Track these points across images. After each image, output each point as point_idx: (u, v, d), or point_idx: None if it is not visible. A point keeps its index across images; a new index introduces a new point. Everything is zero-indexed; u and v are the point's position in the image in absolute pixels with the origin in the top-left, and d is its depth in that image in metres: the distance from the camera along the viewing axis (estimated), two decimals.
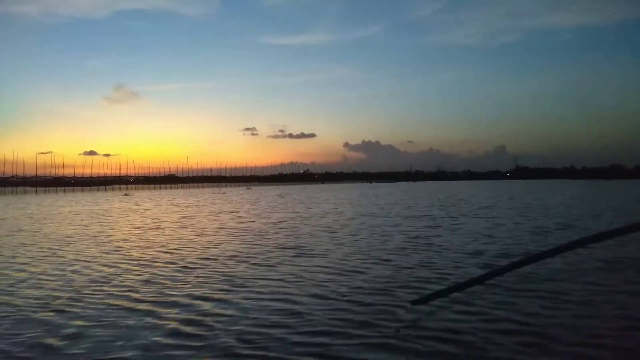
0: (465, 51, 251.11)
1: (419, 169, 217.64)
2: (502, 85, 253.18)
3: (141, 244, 13.69)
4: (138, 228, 18.62)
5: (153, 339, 5.16)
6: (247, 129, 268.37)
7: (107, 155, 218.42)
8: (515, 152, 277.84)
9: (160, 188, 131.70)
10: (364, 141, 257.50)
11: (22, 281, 8.45)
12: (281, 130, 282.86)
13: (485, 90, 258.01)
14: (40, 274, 9.15)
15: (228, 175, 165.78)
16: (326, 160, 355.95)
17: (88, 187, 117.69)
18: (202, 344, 5.02)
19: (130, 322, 5.79)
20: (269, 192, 72.48)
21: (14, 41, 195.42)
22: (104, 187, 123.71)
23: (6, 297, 7.19)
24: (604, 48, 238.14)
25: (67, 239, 15.15)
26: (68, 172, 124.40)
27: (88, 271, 9.35)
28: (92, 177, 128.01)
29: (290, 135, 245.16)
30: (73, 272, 9.30)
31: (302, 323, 5.59)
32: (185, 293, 7.30)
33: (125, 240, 14.72)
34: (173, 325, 5.67)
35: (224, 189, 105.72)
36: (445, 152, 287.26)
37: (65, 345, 5.01)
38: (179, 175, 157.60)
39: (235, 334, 5.28)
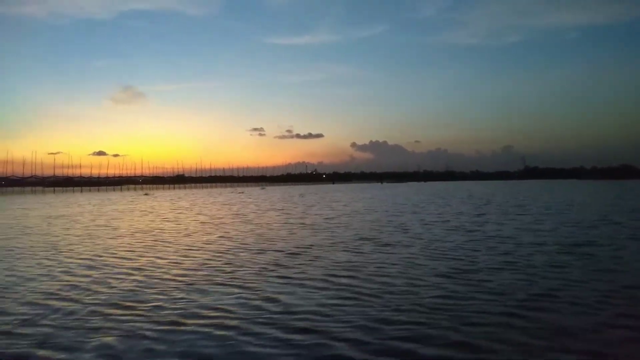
0: (471, 50, 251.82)
1: (427, 169, 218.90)
2: (509, 84, 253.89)
3: (232, 235, 15.17)
4: (204, 223, 20.18)
5: (326, 301, 6.63)
6: (255, 129, 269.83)
7: (116, 155, 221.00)
8: (523, 152, 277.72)
9: (174, 188, 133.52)
10: (371, 141, 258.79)
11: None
12: (288, 131, 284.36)
13: (492, 89, 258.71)
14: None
15: (237, 175, 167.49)
16: (333, 160, 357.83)
17: (96, 188, 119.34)
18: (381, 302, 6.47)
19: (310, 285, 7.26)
20: (286, 192, 73.95)
21: (23, 43, 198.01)
22: (114, 187, 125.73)
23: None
24: (612, 47, 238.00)
25: (178, 232, 16.64)
26: (78, 172, 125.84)
27: (244, 254, 10.85)
28: (103, 178, 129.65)
29: (298, 136, 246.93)
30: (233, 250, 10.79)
31: (430, 288, 7.05)
32: (324, 272, 8.77)
33: (213, 233, 16.20)
34: (338, 291, 7.14)
35: (240, 189, 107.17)
36: (452, 152, 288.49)
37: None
38: (188, 175, 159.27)
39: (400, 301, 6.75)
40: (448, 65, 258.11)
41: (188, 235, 15.91)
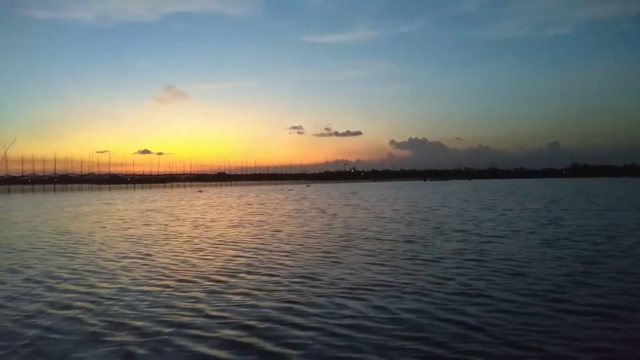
0: (514, 44, 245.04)
1: (468, 167, 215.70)
2: (555, 79, 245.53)
3: (327, 227, 17.17)
4: (292, 217, 22.33)
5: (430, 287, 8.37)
6: (294, 128, 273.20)
7: (160, 153, 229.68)
8: (569, 149, 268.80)
9: (221, 185, 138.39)
10: (410, 138, 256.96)
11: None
12: (327, 129, 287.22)
13: (537, 84, 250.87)
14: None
15: (276, 173, 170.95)
16: (372, 158, 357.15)
17: (140, 185, 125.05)
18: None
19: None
20: (334, 189, 75.81)
21: (72, 46, 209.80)
22: (158, 184, 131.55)
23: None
24: None
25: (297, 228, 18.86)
26: (124, 170, 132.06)
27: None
28: (147, 175, 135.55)
29: (336, 133, 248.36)
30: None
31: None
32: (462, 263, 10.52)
33: (314, 227, 18.27)
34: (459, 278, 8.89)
35: (290, 186, 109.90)
36: (495, 149, 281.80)
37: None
38: (229, 173, 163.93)
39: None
40: (490, 60, 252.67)
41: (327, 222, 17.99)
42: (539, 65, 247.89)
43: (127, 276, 9.09)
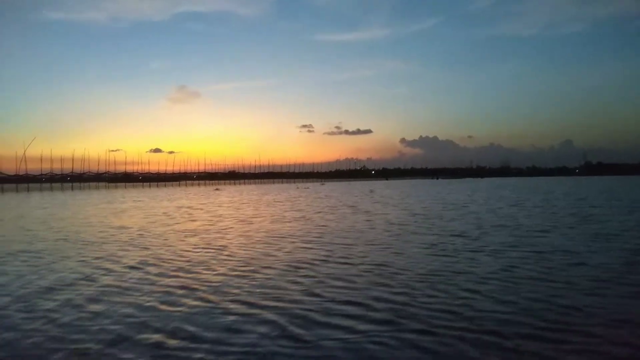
0: (527, 42, 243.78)
1: (480, 165, 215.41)
2: (568, 76, 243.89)
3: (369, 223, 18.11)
4: (328, 213, 23.29)
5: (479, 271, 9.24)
6: (304, 126, 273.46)
7: (172, 152, 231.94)
8: (583, 147, 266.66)
9: (234, 183, 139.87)
10: (421, 137, 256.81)
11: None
12: (337, 127, 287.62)
13: (550, 82, 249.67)
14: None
15: (287, 171, 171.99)
16: (382, 156, 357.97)
17: (155, 183, 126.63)
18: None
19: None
20: (349, 187, 76.66)
21: (86, 47, 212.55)
22: (170, 182, 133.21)
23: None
24: None
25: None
26: (136, 168, 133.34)
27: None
28: (159, 174, 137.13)
29: (346, 132, 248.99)
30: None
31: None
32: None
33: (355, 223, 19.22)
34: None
35: (306, 184, 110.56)
36: (507, 147, 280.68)
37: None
38: (239, 171, 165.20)
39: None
40: (503, 58, 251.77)
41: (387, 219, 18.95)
42: (552, 63, 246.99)
43: (222, 265, 10.06)
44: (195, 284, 8.21)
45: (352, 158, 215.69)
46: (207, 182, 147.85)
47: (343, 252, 11.41)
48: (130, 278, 8.86)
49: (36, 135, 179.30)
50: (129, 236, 15.52)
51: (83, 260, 10.90)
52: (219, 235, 15.48)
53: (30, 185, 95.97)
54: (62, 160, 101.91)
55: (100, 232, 17.00)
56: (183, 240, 14.23)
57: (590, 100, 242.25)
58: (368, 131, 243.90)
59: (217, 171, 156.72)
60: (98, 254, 11.76)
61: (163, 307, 6.82)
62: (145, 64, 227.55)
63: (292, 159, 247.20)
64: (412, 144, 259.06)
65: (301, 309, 6.56)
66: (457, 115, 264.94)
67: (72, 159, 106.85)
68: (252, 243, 13.35)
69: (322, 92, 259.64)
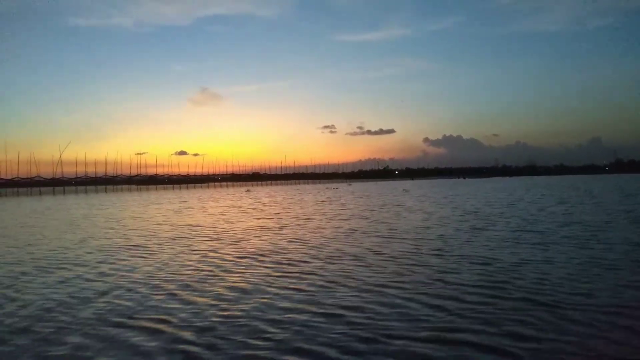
0: (552, 38, 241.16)
1: (505, 164, 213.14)
2: (595, 72, 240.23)
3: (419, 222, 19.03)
4: (381, 212, 24.29)
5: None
6: (326, 127, 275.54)
7: (196, 154, 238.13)
8: (612, 144, 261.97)
9: (261, 184, 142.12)
10: (444, 136, 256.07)
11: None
12: (359, 127, 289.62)
13: (577, 78, 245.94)
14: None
15: (310, 172, 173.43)
16: (405, 156, 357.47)
17: (180, 185, 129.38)
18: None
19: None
20: (378, 187, 77.34)
21: (110, 52, 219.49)
22: (196, 184, 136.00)
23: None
24: None
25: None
26: (162, 171, 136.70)
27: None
28: (188, 176, 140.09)
29: (369, 132, 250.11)
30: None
31: None
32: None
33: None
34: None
35: (335, 185, 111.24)
36: (533, 146, 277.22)
37: None
38: (263, 173, 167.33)
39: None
40: (528, 55, 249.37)
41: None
42: (579, 59, 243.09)
43: (337, 255, 11.19)
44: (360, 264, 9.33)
45: (374, 158, 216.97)
46: (235, 183, 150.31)
47: (437, 246, 12.35)
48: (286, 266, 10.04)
49: (70, 139, 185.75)
50: (217, 234, 16.78)
51: (196, 251, 12.18)
52: (297, 230, 16.59)
53: (66, 188, 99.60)
54: (86, 163, 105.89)
55: (178, 229, 18.35)
56: (266, 235, 15.40)
57: (619, 96, 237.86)
58: (391, 131, 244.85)
59: (241, 172, 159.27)
60: (204, 248, 13.02)
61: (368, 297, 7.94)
62: (168, 68, 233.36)
63: (314, 160, 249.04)
64: (435, 143, 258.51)
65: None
66: (481, 114, 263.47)
67: (97, 162, 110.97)
68: (335, 237, 14.40)
69: (343, 93, 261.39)
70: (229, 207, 33.57)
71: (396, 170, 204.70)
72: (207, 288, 8.09)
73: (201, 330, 5.81)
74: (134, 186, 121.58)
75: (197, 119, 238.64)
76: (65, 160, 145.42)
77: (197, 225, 19.76)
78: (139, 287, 8.23)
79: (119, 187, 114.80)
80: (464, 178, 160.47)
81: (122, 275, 9.36)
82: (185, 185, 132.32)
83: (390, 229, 16.20)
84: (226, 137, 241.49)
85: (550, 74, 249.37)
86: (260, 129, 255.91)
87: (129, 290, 8.08)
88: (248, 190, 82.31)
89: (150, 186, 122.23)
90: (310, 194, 56.46)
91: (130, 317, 6.45)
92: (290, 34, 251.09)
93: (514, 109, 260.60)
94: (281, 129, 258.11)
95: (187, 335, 5.67)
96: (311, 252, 11.73)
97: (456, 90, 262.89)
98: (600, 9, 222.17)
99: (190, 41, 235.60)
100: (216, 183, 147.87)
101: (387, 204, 31.66)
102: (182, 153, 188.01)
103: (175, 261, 10.93)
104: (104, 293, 7.90)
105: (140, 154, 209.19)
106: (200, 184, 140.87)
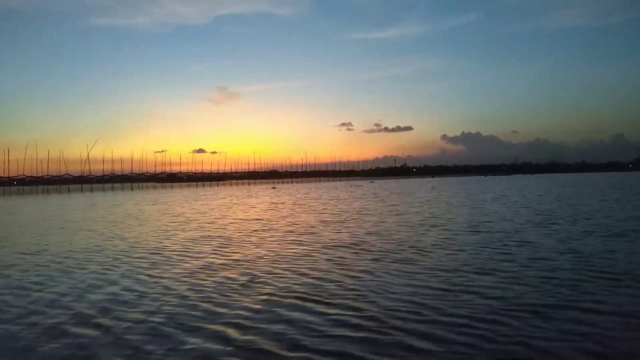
0: (574, 33, 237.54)
1: (525, 161, 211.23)
2: (618, 66, 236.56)
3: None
4: (430, 207, 25.06)
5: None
6: (343, 124, 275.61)
7: (214, 152, 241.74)
8: (636, 140, 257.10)
9: (282, 182, 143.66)
10: (463, 132, 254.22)
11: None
12: (377, 125, 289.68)
13: (599, 73, 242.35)
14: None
15: (328, 170, 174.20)
16: (423, 153, 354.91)
17: (200, 183, 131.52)
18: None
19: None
20: (404, 185, 77.82)
21: (130, 51, 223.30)
22: (212, 182, 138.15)
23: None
24: None
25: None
26: (180, 169, 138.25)
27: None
28: (211, 173, 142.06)
29: (386, 129, 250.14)
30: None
31: None
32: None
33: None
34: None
35: (358, 182, 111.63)
36: (554, 142, 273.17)
37: None
38: (280, 170, 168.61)
39: None
40: (548, 51, 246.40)
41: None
42: (601, 54, 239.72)
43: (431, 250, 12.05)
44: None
45: (391, 156, 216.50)
46: (255, 181, 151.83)
47: (513, 239, 13.12)
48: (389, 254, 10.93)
49: (96, 137, 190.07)
50: (286, 225, 17.75)
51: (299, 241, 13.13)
52: (359, 224, 17.46)
53: (93, 185, 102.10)
54: (112, 161, 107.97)
55: (248, 222, 19.36)
56: (328, 230, 16.27)
57: None
58: (408, 128, 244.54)
59: (259, 170, 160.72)
60: (303, 239, 13.98)
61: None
62: (186, 67, 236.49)
63: (331, 158, 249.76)
64: (453, 140, 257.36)
65: None
66: (500, 110, 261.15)
67: (116, 160, 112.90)
68: (412, 230, 15.22)
69: (361, 90, 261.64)
70: (271, 203, 34.57)
71: (414, 167, 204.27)
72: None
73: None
74: (157, 184, 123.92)
75: (215, 118, 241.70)
76: (76, 159, 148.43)
77: (260, 219, 20.76)
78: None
79: (144, 184, 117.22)
80: (486, 175, 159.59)
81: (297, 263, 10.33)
82: (208, 182, 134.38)
83: (457, 224, 16.96)
84: (244, 136, 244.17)
85: (571, 69, 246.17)
86: (277, 127, 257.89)
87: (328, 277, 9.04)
88: (274, 187, 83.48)
89: (174, 184, 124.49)
90: (339, 191, 57.26)
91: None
92: (307, 32, 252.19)
93: (533, 105, 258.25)
94: (298, 127, 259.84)
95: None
96: (409, 243, 12.58)
97: (474, 86, 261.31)
98: (623, 3, 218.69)
99: (208, 41, 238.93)
100: (237, 181, 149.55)
101: (430, 199, 32.33)
102: (201, 151, 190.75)
103: (319, 244, 11.89)
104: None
105: (159, 152, 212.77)
106: (221, 182, 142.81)
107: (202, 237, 15.01)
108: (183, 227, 18.47)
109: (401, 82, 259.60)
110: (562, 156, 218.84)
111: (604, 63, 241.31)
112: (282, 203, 33.87)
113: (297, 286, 7.85)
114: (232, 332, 5.60)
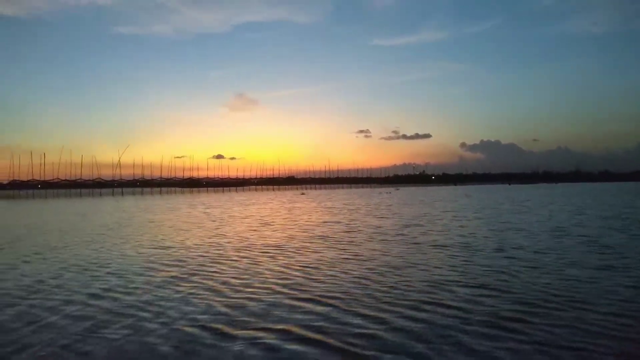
0: (596, 40, 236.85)
1: (546, 170, 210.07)
2: None
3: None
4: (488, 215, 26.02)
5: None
6: (361, 131, 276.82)
7: (233, 158, 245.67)
8: None
9: (307, 188, 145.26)
10: (482, 140, 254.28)
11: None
12: (394, 132, 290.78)
13: (622, 80, 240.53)
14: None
15: (352, 177, 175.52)
16: (441, 161, 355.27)
17: (221, 188, 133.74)
18: None
19: None
20: (431, 192, 78.60)
21: (152, 58, 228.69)
22: (233, 187, 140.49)
23: None
24: None
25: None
26: (199, 174, 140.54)
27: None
28: (233, 179, 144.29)
29: (404, 137, 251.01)
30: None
31: None
32: None
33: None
34: None
35: (388, 189, 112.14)
36: (576, 151, 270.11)
37: None
38: (298, 177, 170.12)
39: None
40: (570, 58, 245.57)
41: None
42: (624, 60, 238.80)
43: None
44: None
45: (410, 163, 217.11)
46: (281, 187, 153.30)
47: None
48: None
49: (109, 142, 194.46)
50: (366, 227, 18.94)
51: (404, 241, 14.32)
52: (434, 227, 18.57)
53: (124, 190, 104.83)
54: (143, 165, 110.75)
55: (323, 226, 20.61)
56: (405, 233, 17.43)
57: None
58: (427, 135, 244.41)
59: (275, 176, 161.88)
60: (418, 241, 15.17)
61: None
62: (206, 74, 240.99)
63: (349, 165, 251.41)
64: (472, 148, 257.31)
65: None
66: (521, 118, 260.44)
67: (136, 165, 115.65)
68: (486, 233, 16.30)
69: (379, 97, 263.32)
70: (326, 207, 35.78)
71: (433, 175, 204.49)
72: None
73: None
74: (178, 189, 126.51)
75: (234, 124, 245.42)
76: (109, 163, 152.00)
77: (339, 222, 21.98)
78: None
79: (170, 189, 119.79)
80: (509, 184, 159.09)
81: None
82: (227, 188, 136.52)
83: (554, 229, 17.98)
84: (262, 142, 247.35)
85: (593, 76, 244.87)
86: (295, 133, 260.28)
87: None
88: (303, 194, 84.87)
89: (194, 189, 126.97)
90: (370, 198, 58.31)
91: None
92: (326, 39, 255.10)
93: (555, 113, 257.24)
94: (316, 134, 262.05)
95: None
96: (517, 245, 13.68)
97: (494, 94, 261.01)
98: None
99: (227, 48, 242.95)
100: (261, 187, 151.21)
101: (485, 207, 33.23)
102: (220, 157, 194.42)
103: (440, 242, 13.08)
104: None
105: (179, 157, 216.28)
106: (240, 187, 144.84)
107: (312, 237, 16.27)
108: (281, 227, 19.82)
109: (420, 88, 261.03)
110: (584, 165, 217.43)
111: (627, 69, 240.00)
112: (330, 208, 35.07)
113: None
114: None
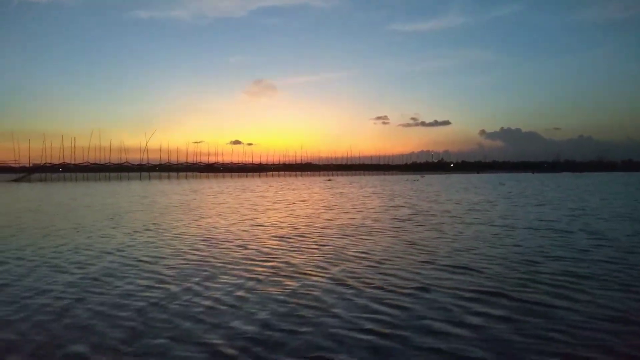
0: (622, 25, 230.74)
1: (568, 159, 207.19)
2: None
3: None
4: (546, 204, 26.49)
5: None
6: (379, 118, 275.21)
7: (250, 144, 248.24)
8: None
9: (332, 174, 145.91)
10: (502, 128, 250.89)
11: None
12: (413, 118, 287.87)
13: None
14: None
15: (364, 163, 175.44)
16: (460, 148, 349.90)
17: (235, 174, 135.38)
18: None
19: None
20: (458, 181, 78.63)
21: (170, 43, 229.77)
22: (250, 173, 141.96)
23: None
24: None
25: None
26: (218, 159, 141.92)
27: None
28: (256, 164, 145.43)
29: (423, 123, 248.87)
30: None
31: None
32: None
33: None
34: None
35: (415, 177, 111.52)
36: (598, 140, 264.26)
37: None
38: (315, 163, 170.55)
39: None
40: (593, 44, 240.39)
41: None
42: None
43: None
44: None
45: (428, 150, 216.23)
46: (304, 173, 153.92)
47: None
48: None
49: (129, 128, 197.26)
50: (434, 213, 19.64)
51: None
52: (496, 215, 19.18)
53: (151, 174, 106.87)
54: (163, 150, 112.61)
55: (385, 212, 21.36)
56: (452, 224, 18.07)
57: None
58: (446, 122, 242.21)
59: (292, 162, 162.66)
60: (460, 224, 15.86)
61: None
62: (224, 59, 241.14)
63: (366, 151, 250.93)
64: (492, 135, 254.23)
65: None
66: (542, 106, 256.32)
67: (153, 149, 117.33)
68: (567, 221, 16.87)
69: (397, 83, 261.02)
70: (364, 193, 36.51)
71: (451, 162, 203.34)
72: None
73: None
74: (197, 173, 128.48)
75: (252, 110, 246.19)
76: (132, 147, 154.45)
77: (396, 206, 22.73)
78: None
79: (195, 174, 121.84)
80: (533, 172, 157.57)
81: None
82: (244, 173, 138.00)
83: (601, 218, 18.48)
84: (280, 128, 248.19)
85: (617, 64, 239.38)
86: (313, 119, 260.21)
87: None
88: (330, 180, 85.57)
89: (219, 174, 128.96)
90: (404, 184, 58.83)
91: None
92: (345, 24, 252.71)
93: (577, 101, 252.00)
94: (334, 120, 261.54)
95: None
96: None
97: (515, 81, 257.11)
98: None
99: (246, 33, 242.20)
100: (283, 172, 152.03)
101: (534, 193, 33.59)
102: (237, 142, 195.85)
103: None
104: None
105: (197, 142, 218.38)
106: (260, 173, 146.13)
107: (394, 219, 17.06)
108: (354, 211, 20.65)
109: (440, 75, 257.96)
110: (607, 154, 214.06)
111: None
112: (377, 194, 35.77)
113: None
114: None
